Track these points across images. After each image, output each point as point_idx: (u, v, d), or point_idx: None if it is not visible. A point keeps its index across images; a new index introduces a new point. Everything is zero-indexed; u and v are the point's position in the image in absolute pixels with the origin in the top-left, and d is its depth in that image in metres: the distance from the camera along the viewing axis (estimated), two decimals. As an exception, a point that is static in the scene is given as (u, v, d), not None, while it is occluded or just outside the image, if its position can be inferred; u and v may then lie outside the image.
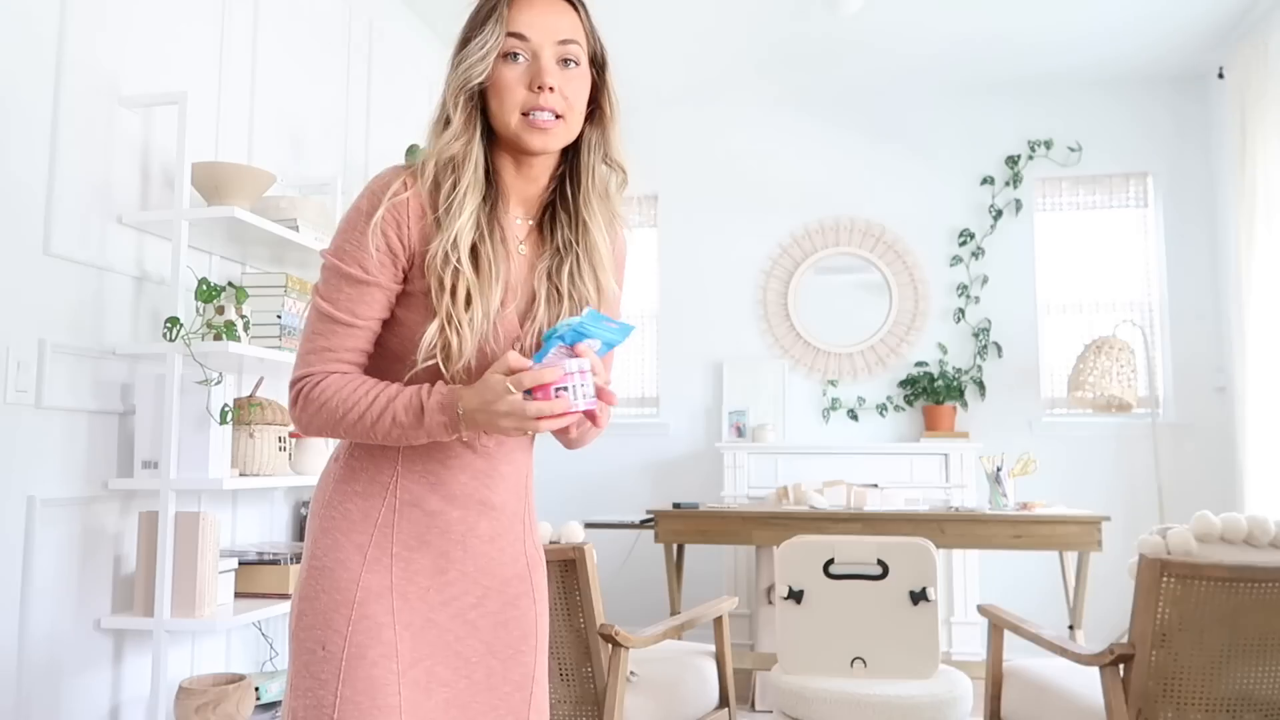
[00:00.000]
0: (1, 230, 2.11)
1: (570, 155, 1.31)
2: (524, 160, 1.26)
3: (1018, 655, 2.74)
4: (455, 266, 1.18)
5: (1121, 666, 2.08)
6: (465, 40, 1.23)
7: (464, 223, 1.19)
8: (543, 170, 1.29)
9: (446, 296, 1.17)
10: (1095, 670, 2.17)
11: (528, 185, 1.29)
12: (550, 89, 1.19)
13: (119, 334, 2.43)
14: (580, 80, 1.24)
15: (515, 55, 1.21)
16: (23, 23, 2.17)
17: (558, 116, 1.21)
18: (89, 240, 2.34)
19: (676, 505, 3.82)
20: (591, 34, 1.28)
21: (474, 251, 1.20)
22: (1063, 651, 2.25)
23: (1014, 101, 4.89)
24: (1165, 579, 2.04)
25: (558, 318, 1.26)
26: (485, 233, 1.21)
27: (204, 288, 2.43)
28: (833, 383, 4.93)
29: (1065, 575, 3.67)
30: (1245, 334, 4.11)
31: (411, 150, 3.18)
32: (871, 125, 5.02)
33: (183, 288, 2.39)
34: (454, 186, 1.20)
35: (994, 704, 2.55)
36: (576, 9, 1.26)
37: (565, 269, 1.28)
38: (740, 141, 5.14)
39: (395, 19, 3.97)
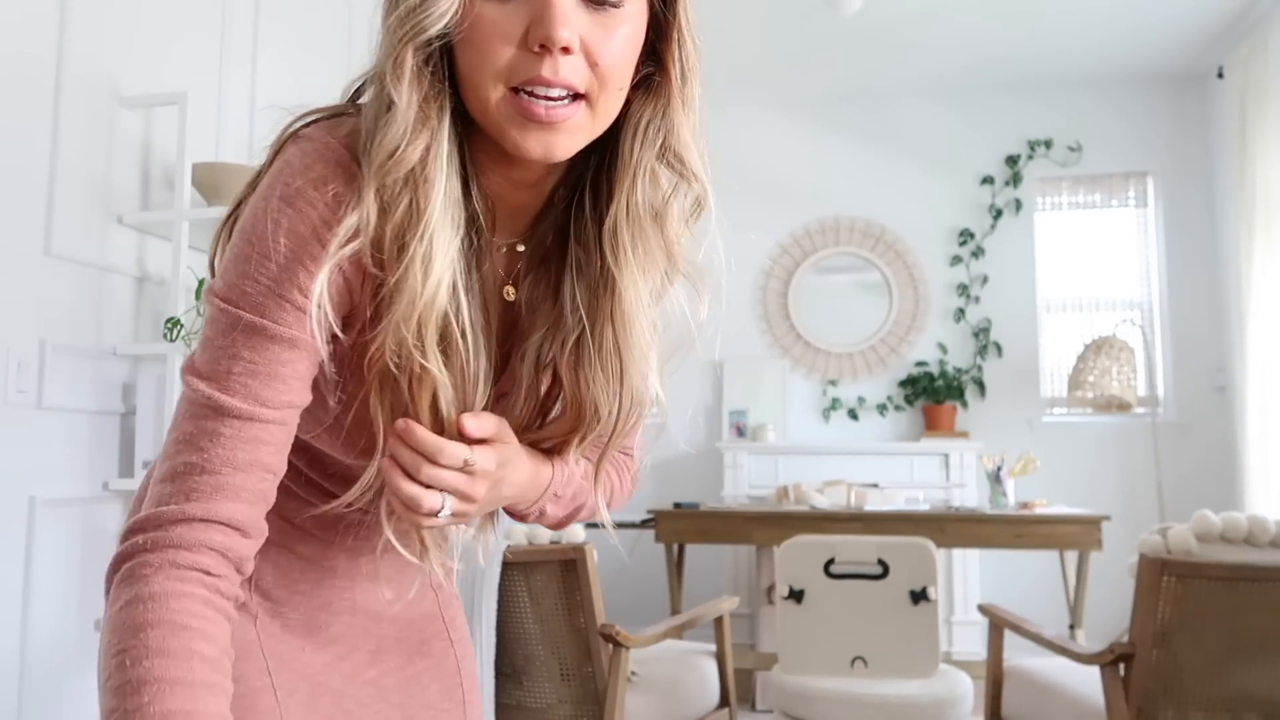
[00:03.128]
0: (1, 230, 2.11)
1: (604, 138, 0.75)
2: (515, 160, 0.73)
3: (1018, 655, 2.74)
4: (419, 366, 0.70)
5: (1122, 666, 2.08)
6: None
7: (434, 291, 0.69)
8: (546, 171, 0.77)
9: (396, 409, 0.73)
10: (1096, 670, 2.17)
11: (518, 192, 0.78)
12: (565, 48, 0.66)
13: (119, 334, 2.43)
14: (625, 26, 0.69)
15: None
16: (23, 22, 2.17)
17: (576, 97, 0.68)
18: (89, 240, 2.33)
19: (677, 505, 3.82)
20: None
21: (444, 332, 0.72)
22: (1063, 651, 2.25)
23: (1014, 101, 4.89)
24: (1165, 578, 2.04)
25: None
26: (464, 294, 0.73)
27: (204, 288, 2.43)
28: (833, 383, 4.93)
29: (1065, 575, 3.67)
30: (1245, 334, 4.11)
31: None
32: (871, 125, 5.02)
33: (183, 288, 2.39)
34: (417, 223, 0.69)
35: (994, 704, 2.55)
36: None
37: (566, 350, 0.79)
38: (740, 141, 5.13)
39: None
